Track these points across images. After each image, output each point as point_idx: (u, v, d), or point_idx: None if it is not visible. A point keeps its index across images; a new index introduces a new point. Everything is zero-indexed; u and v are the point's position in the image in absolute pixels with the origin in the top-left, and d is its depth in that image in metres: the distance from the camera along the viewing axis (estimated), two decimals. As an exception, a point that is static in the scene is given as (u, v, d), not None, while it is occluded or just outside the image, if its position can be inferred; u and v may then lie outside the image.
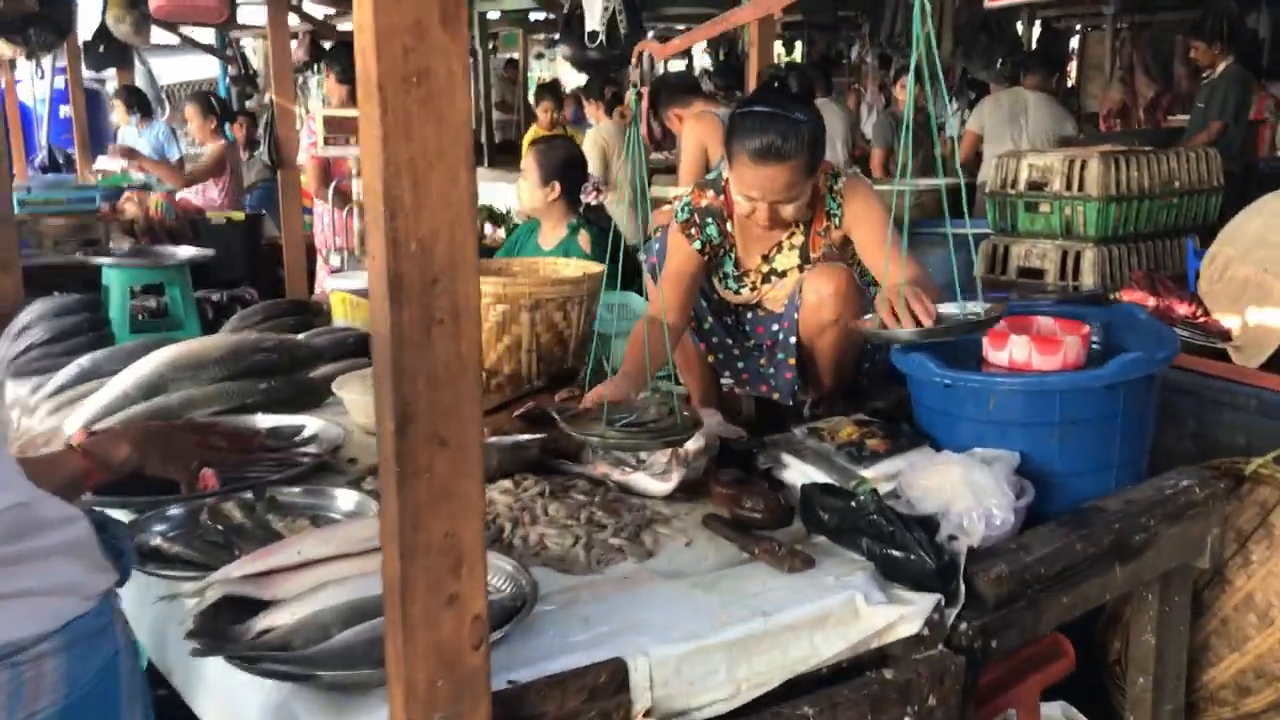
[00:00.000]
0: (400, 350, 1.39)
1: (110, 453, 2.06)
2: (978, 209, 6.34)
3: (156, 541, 2.13)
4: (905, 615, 1.90)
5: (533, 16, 12.90)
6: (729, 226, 2.90)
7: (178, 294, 4.24)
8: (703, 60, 15.17)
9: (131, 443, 2.11)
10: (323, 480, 2.52)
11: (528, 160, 4.01)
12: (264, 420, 2.92)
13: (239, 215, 6.80)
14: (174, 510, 2.25)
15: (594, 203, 4.40)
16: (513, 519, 2.14)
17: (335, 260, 4.86)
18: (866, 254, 2.76)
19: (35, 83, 13.18)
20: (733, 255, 2.92)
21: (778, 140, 2.60)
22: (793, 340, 2.80)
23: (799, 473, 2.37)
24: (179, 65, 15.76)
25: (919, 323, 2.28)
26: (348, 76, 5.70)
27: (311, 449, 2.76)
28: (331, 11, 11.85)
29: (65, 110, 11.44)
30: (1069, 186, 4.82)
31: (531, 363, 3.05)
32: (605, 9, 4.49)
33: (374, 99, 1.34)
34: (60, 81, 11.97)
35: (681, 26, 10.55)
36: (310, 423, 2.90)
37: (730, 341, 2.95)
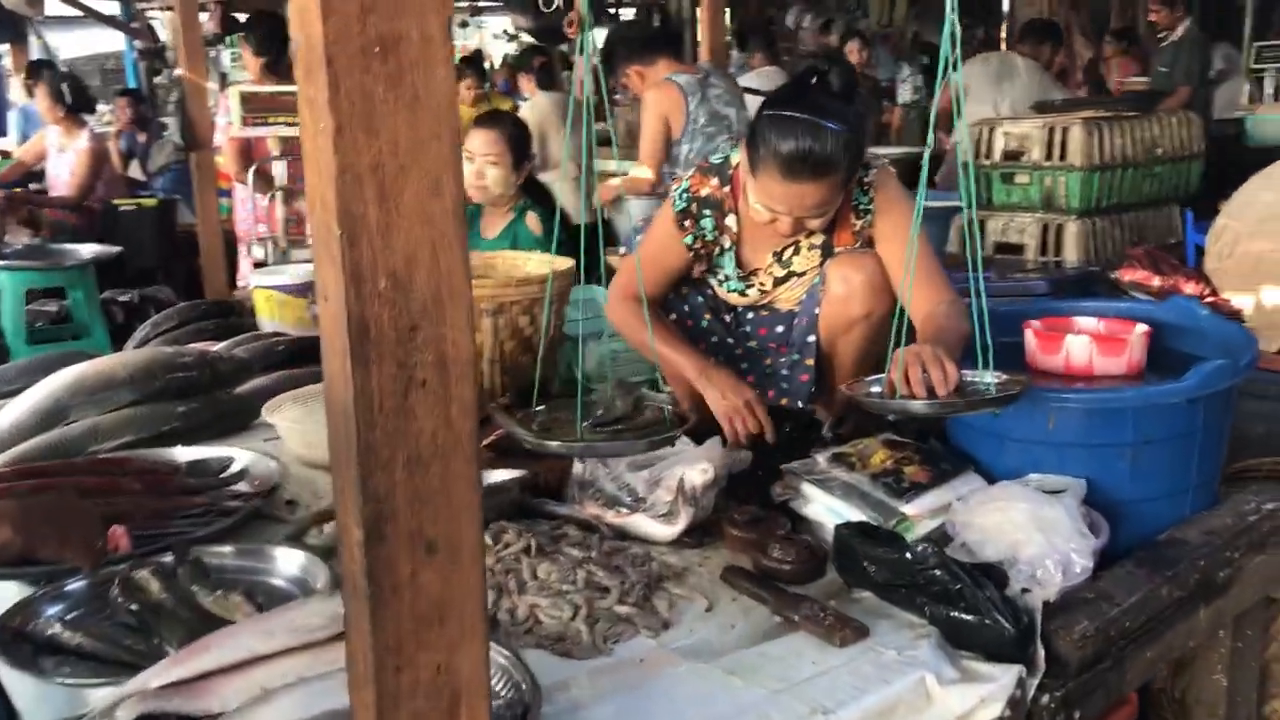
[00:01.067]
0: (369, 427, 1.00)
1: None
2: (942, 180, 6.05)
3: (54, 629, 1.72)
4: (986, 696, 1.57)
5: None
6: (729, 221, 2.51)
7: (81, 297, 3.78)
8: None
9: (11, 523, 1.67)
10: (258, 533, 2.12)
11: (493, 144, 3.54)
12: (184, 453, 2.50)
13: (150, 201, 6.28)
14: (75, 584, 1.84)
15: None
16: (495, 586, 1.76)
17: (259, 252, 4.40)
18: (893, 272, 2.35)
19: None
20: (733, 254, 2.53)
21: (815, 153, 2.19)
22: (811, 339, 2.43)
23: (825, 507, 2.02)
24: (81, 39, 14.90)
25: (933, 392, 1.88)
26: (265, 47, 5.18)
27: (242, 487, 2.35)
28: (244, -20, 11.21)
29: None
30: (1049, 156, 4.53)
31: (495, 375, 2.66)
32: (558, -31, 4.06)
33: (319, 77, 0.95)
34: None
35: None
36: (238, 454, 2.48)
37: (731, 341, 2.56)
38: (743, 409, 2.26)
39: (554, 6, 4.17)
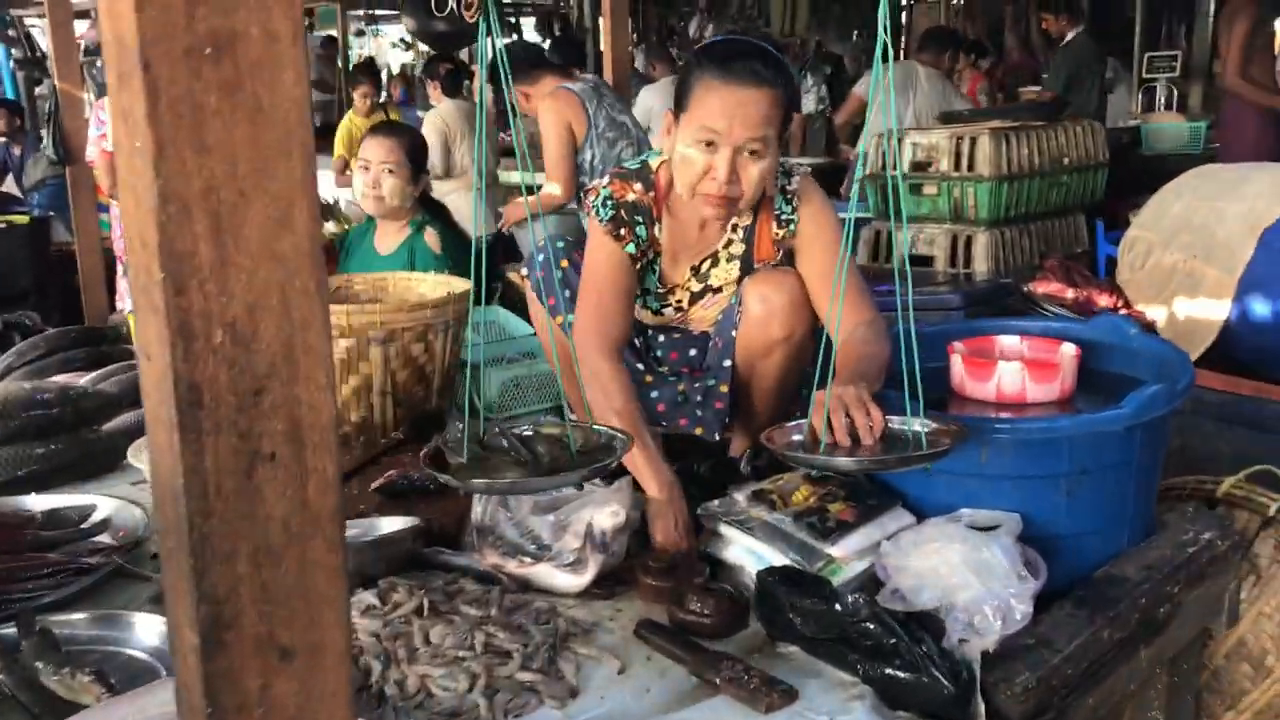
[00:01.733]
0: (204, 514, 0.82)
1: None
2: (845, 190, 5.99)
3: None
4: (927, 763, 1.42)
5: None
6: (656, 231, 2.31)
7: (-64, 324, 3.48)
8: (533, 37, 14.52)
9: None
10: (117, 594, 1.90)
11: (391, 152, 3.33)
12: (39, 501, 2.27)
13: (22, 218, 5.91)
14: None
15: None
16: (382, 654, 1.57)
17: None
18: (813, 288, 2.22)
19: None
20: (657, 268, 2.36)
21: (757, 63, 2.07)
22: (727, 363, 2.28)
23: (745, 550, 1.87)
24: (-46, 48, 14.21)
25: (858, 441, 1.76)
26: None
27: (104, 539, 2.13)
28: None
29: None
30: (958, 166, 4.48)
31: (386, 408, 2.46)
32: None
33: (134, 84, 0.77)
34: None
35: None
36: (101, 502, 2.26)
37: (641, 367, 2.40)
38: (680, 551, 1.97)
39: (447, 10, 3.96)
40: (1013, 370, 2.00)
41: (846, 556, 1.81)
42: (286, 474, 0.86)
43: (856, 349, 2.01)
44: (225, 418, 0.82)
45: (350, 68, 10.60)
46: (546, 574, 1.84)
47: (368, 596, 1.72)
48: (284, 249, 0.83)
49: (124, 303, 4.96)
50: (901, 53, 9.77)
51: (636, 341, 2.41)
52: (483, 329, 2.86)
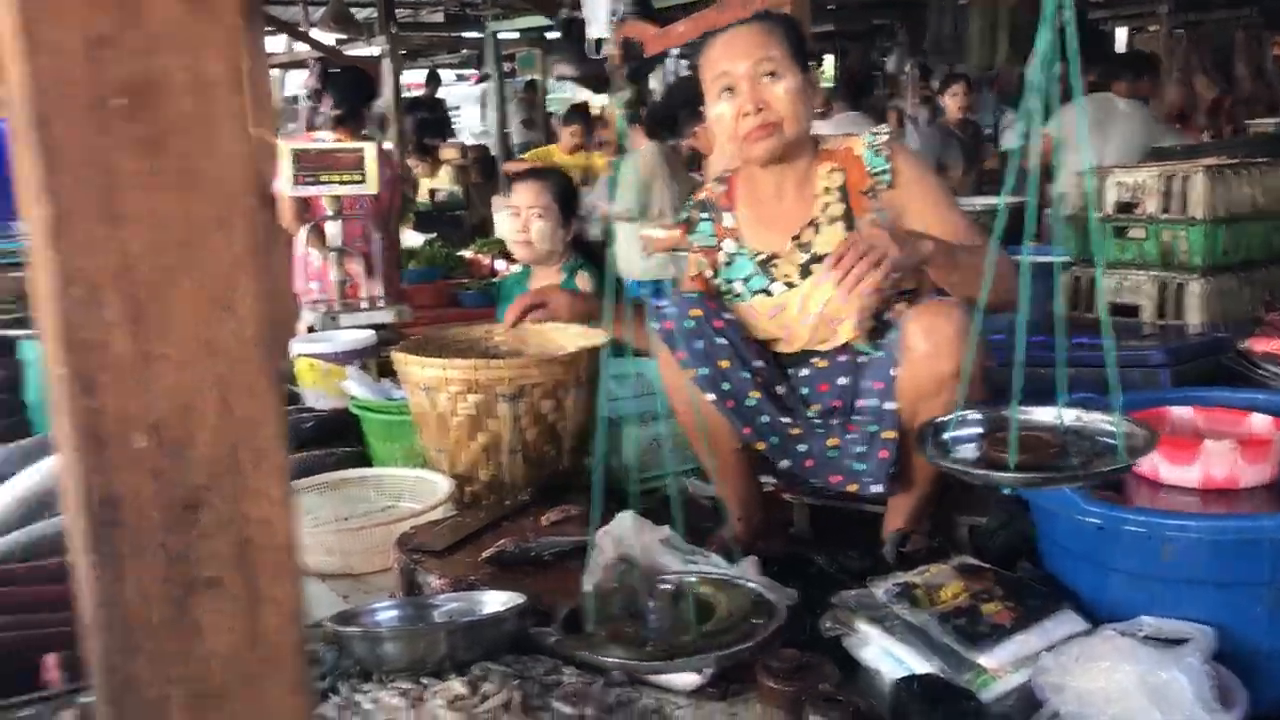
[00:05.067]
0: (126, 652, 0.69)
1: None
2: (1043, 233, 5.61)
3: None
4: None
5: (550, 35, 12.24)
6: (727, 220, 2.30)
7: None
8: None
9: None
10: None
11: (540, 195, 3.27)
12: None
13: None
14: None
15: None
16: (461, 756, 1.43)
17: (309, 317, 4.18)
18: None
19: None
20: (744, 253, 2.28)
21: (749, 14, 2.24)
22: (890, 405, 2.05)
23: (883, 651, 1.64)
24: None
25: (1025, 464, 1.46)
26: (339, 100, 5.03)
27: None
28: (343, 37, 11.27)
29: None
30: (1167, 207, 4.08)
31: (515, 467, 2.34)
32: (612, 11, 3.74)
33: (32, 144, 0.65)
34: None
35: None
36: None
37: (786, 420, 2.18)
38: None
39: (600, 53, 3.87)
40: (1222, 452, 1.69)
41: (1000, 668, 1.56)
42: (233, 604, 0.72)
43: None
44: (149, 538, 0.69)
45: (563, 110, 10.70)
46: (660, 665, 1.66)
47: (456, 685, 1.58)
48: (222, 336, 0.69)
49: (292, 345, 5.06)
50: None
51: (779, 389, 2.18)
52: (627, 379, 2.70)
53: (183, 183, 0.67)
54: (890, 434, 2.03)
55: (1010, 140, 8.24)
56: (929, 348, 1.95)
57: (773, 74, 2.12)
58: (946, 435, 1.61)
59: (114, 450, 0.67)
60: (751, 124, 2.12)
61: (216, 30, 0.67)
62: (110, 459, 0.67)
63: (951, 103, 6.92)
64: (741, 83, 2.12)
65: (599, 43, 3.87)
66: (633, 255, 4.49)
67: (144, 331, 0.67)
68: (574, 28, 4.34)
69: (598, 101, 10.31)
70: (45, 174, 0.63)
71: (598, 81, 5.55)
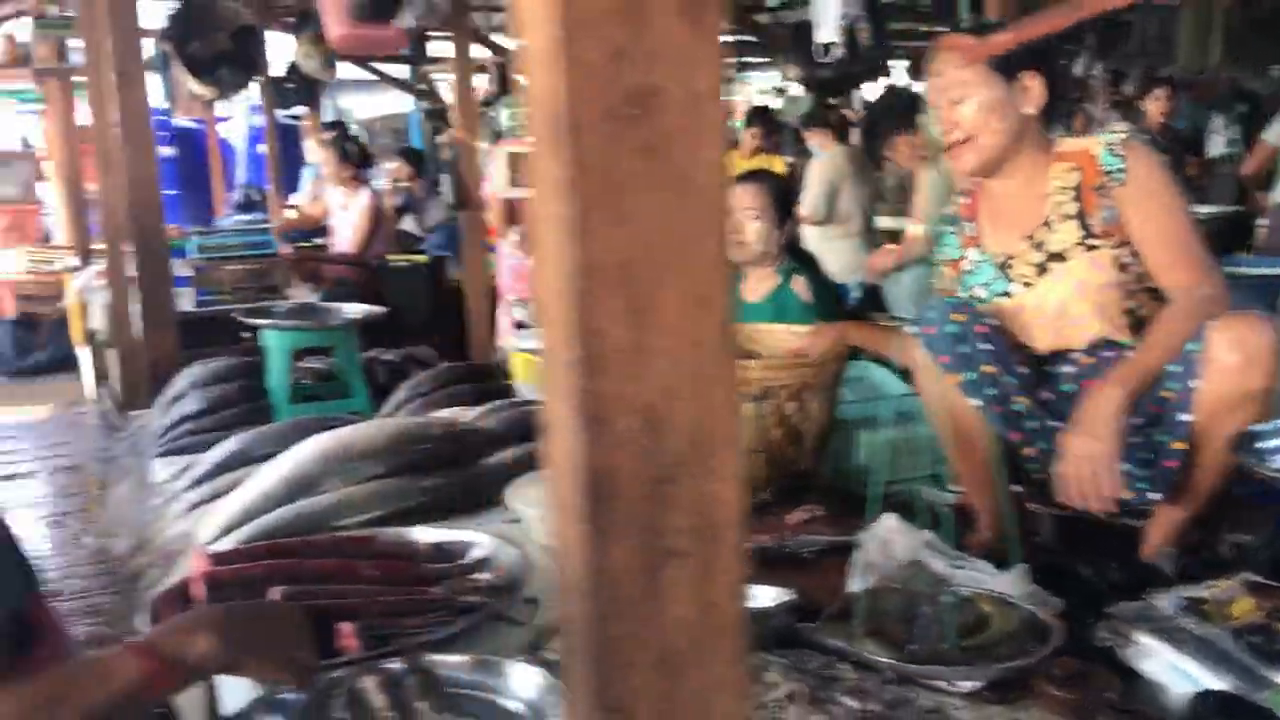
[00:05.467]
0: (611, 617, 0.75)
1: (184, 649, 1.47)
2: (1262, 244, 5.38)
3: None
4: None
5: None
6: (969, 229, 2.38)
7: (344, 358, 3.77)
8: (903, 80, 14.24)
9: (216, 632, 1.51)
10: (488, 636, 1.92)
11: (757, 197, 3.32)
12: (425, 534, 2.35)
13: (422, 258, 6.39)
14: (293, 694, 1.68)
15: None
16: (755, 740, 1.48)
17: (519, 313, 4.33)
18: (1148, 249, 2.12)
19: (238, 120, 13.43)
20: (986, 260, 2.32)
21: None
22: (1183, 417, 2.00)
23: (1169, 666, 1.63)
24: (374, 101, 15.80)
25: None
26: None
27: (484, 577, 2.16)
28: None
29: (262, 147, 11.50)
30: None
31: (757, 467, 2.39)
32: (842, 15, 3.76)
33: (562, 148, 0.71)
34: (258, 119, 12.08)
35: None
36: (479, 539, 2.30)
37: (1054, 424, 2.14)
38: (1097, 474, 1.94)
39: (829, 56, 3.88)
40: None
41: (1298, 688, 1.53)
42: (692, 574, 0.78)
43: (1163, 327, 2.01)
44: (633, 511, 0.75)
45: (748, 112, 10.71)
46: (934, 670, 1.68)
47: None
48: (702, 331, 0.75)
49: (503, 339, 5.22)
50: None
51: (1044, 394, 2.16)
52: (854, 383, 2.73)
53: (676, 188, 0.73)
54: (1180, 444, 2.00)
55: (1218, 147, 7.91)
56: (1239, 360, 1.92)
57: (961, 98, 2.23)
58: (1261, 445, 1.59)
59: (609, 430, 0.73)
60: (948, 141, 2.29)
61: (707, 47, 0.73)
62: (605, 437, 0.73)
63: (1154, 108, 6.70)
64: (945, 116, 2.27)
65: (827, 46, 3.90)
66: (823, 259, 4.52)
67: (640, 323, 0.73)
68: (802, 33, 4.37)
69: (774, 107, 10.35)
70: (574, 175, 0.70)
71: (826, 84, 5.56)
